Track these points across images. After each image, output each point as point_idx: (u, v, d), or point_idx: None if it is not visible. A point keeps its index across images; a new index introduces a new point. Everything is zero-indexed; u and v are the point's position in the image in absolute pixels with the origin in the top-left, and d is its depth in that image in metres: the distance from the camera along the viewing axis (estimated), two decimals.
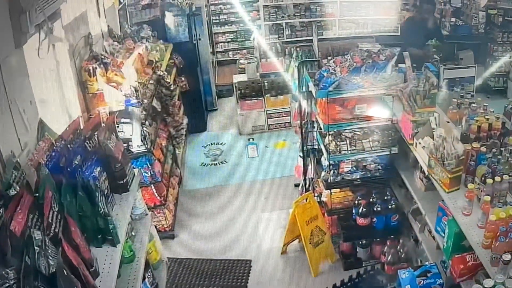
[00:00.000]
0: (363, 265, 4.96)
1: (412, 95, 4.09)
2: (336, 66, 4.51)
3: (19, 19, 3.30)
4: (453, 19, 5.63)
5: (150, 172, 5.21)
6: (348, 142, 4.56)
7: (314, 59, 5.68)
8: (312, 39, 6.28)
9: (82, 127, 3.35)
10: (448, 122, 3.91)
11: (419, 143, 3.92)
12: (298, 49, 6.83)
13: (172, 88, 6.93)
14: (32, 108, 3.53)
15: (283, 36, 8.58)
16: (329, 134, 4.53)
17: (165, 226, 5.64)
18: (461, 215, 3.30)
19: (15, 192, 2.59)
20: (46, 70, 4.13)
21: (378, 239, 4.90)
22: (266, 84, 8.41)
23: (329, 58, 4.80)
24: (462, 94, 4.37)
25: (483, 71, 5.04)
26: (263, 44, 8.37)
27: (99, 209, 2.81)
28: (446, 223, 3.59)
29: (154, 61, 6.51)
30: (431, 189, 3.97)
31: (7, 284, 1.97)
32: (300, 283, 4.91)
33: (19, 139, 3.19)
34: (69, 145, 3.06)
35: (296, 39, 8.45)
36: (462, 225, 3.25)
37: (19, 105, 3.25)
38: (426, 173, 3.82)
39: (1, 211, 2.39)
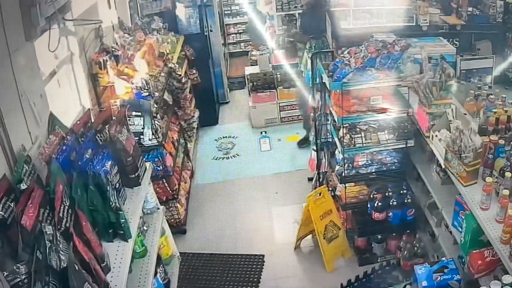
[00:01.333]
0: (379, 260, 4.89)
1: (428, 87, 4.01)
2: (351, 57, 4.43)
3: (30, 11, 3.27)
4: (470, 9, 5.50)
5: (162, 166, 5.18)
6: (363, 135, 4.48)
7: (328, 50, 5.59)
8: (326, 30, 6.20)
9: (93, 120, 3.32)
10: (465, 114, 3.82)
11: (436, 135, 3.85)
12: (311, 40, 6.72)
13: (183, 81, 6.90)
14: (42, 101, 3.50)
15: (296, 27, 8.47)
16: (343, 127, 4.46)
17: (177, 220, 5.61)
18: (479, 209, 3.22)
19: (26, 186, 2.59)
20: (57, 63, 4.10)
21: (393, 234, 4.84)
22: (278, 76, 8.32)
23: (343, 49, 4.71)
24: (479, 86, 4.27)
25: (501, 62, 4.91)
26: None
27: (111, 203, 2.79)
28: (463, 217, 3.52)
29: (165, 53, 6.46)
30: (448, 183, 3.88)
31: (18, 279, 1.97)
32: (314, 279, 4.85)
33: (30, 133, 3.17)
34: (80, 139, 3.04)
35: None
36: (480, 219, 3.18)
37: (29, 98, 3.23)
38: (443, 166, 3.74)
39: (12, 205, 2.39)
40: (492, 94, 4.00)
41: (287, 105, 8.36)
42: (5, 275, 1.86)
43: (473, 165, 3.38)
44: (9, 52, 3.03)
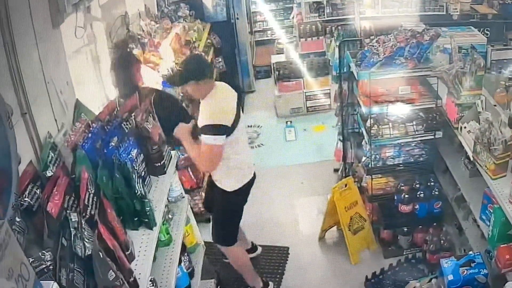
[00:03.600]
0: (404, 253, 4.82)
1: (458, 77, 3.93)
2: (379, 46, 4.35)
3: None
4: None
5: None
6: (390, 125, 4.42)
7: (356, 38, 5.52)
8: (353, 18, 6.11)
9: (119, 108, 3.33)
10: (495, 105, 3.73)
11: (464, 127, 3.78)
12: (339, 28, 6.63)
13: None
14: (69, 88, 3.51)
15: (324, 15, 8.38)
16: (370, 117, 4.40)
17: (202, 209, 5.62)
18: (508, 203, 3.15)
19: (52, 174, 2.59)
20: (83, 50, 4.12)
21: (420, 226, 4.76)
22: (305, 64, 8.24)
23: (371, 37, 4.64)
24: (510, 77, 4.15)
25: None
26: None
27: (136, 191, 2.78)
28: (491, 211, 3.46)
29: (192, 41, 6.47)
30: (476, 176, 3.80)
31: (44, 266, 1.97)
32: (339, 271, 4.81)
33: (56, 120, 3.18)
34: (105, 127, 3.04)
35: (337, 17, 8.24)
36: (508, 213, 3.11)
37: (56, 85, 3.24)
38: (471, 158, 3.67)
39: (38, 192, 2.40)
40: None
41: (313, 95, 8.28)
42: (30, 261, 1.87)
43: (502, 158, 3.30)
44: (36, 40, 3.04)
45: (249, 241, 4.94)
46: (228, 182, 4.02)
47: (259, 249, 5.00)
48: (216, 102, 3.80)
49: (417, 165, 4.66)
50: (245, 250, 4.75)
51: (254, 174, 4.22)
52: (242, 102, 4.07)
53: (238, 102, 3.95)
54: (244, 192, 4.16)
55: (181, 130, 3.88)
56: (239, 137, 3.94)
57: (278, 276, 4.86)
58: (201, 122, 3.71)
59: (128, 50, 4.84)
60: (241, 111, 4.00)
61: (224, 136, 3.68)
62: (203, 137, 3.68)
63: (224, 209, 4.20)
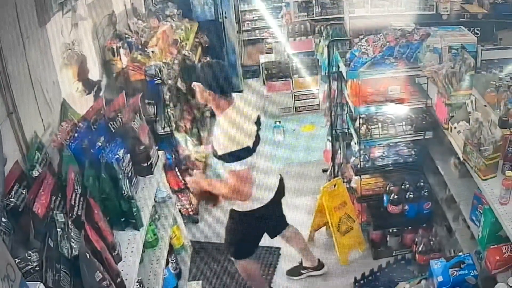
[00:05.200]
0: (394, 254, 4.82)
1: (448, 77, 3.91)
2: (368, 45, 4.34)
3: None
4: None
5: (175, 155, 5.15)
6: (380, 125, 4.40)
7: (345, 38, 5.51)
8: (343, 17, 6.11)
9: (105, 107, 3.29)
10: (485, 105, 3.76)
11: (454, 127, 3.77)
12: (328, 27, 6.64)
13: None
14: (55, 88, 3.48)
15: (313, 14, 8.37)
16: (360, 117, 4.39)
17: (189, 210, 5.59)
18: (498, 204, 3.16)
19: (38, 174, 2.57)
20: (69, 49, 4.07)
21: (409, 227, 4.77)
22: (294, 64, 8.23)
23: (361, 37, 4.63)
24: (501, 76, 4.16)
25: None
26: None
27: (123, 192, 2.76)
28: (481, 212, 3.46)
29: (179, 40, 6.42)
30: (466, 176, 3.80)
31: (30, 266, 1.95)
32: (328, 271, 4.80)
33: (42, 120, 3.15)
34: (92, 126, 3.00)
35: (326, 17, 8.24)
36: (498, 214, 3.12)
37: (42, 85, 3.21)
38: (461, 159, 3.66)
39: (24, 192, 2.38)
40: None
41: (302, 94, 8.27)
42: (17, 262, 1.85)
43: (492, 158, 3.30)
44: (22, 38, 3.01)
45: (315, 259, 4.78)
46: (242, 204, 3.78)
47: (325, 268, 4.81)
48: (234, 122, 3.45)
49: (406, 166, 4.65)
50: (311, 268, 4.72)
51: (278, 193, 3.96)
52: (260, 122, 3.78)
53: (258, 122, 3.66)
54: (260, 214, 3.83)
55: (194, 181, 3.77)
56: (259, 160, 3.64)
57: (268, 276, 4.87)
58: (220, 149, 3.41)
59: None
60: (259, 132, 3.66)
61: (250, 157, 3.41)
62: (228, 166, 3.42)
63: (231, 229, 4.06)
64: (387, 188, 4.67)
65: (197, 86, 3.50)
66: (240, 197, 3.60)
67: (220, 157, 3.45)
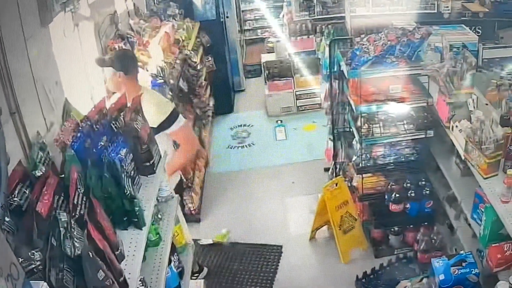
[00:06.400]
0: (395, 252, 4.83)
1: (449, 76, 3.94)
2: (370, 44, 4.35)
3: None
4: None
5: None
6: (381, 124, 4.42)
7: (347, 37, 5.51)
8: (344, 16, 6.12)
9: (108, 107, 3.30)
10: (486, 104, 3.75)
11: (456, 126, 3.77)
12: (329, 26, 6.64)
13: (198, 68, 6.86)
14: (58, 88, 3.49)
15: (314, 13, 8.37)
16: (361, 116, 4.40)
17: (191, 209, 5.61)
18: (499, 202, 3.16)
19: (41, 173, 2.57)
20: (72, 49, 4.09)
21: (411, 226, 4.78)
22: (295, 63, 8.22)
23: (362, 36, 4.64)
24: (502, 75, 4.17)
25: None
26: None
27: (125, 191, 2.75)
28: (483, 210, 3.46)
29: (181, 40, 6.44)
30: (467, 175, 3.82)
31: (33, 265, 1.93)
32: (330, 270, 4.82)
33: (45, 119, 3.16)
34: (94, 126, 3.01)
35: (327, 16, 8.24)
36: (500, 212, 3.12)
37: (45, 84, 3.22)
38: (463, 157, 3.67)
39: (27, 192, 2.36)
40: None
41: (304, 94, 8.28)
42: (20, 261, 1.85)
43: (494, 157, 3.30)
44: (24, 38, 3.02)
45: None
46: None
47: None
48: (153, 97, 3.84)
49: (408, 164, 4.66)
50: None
51: None
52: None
53: None
54: None
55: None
56: None
57: (270, 274, 4.87)
58: (155, 123, 3.66)
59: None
60: None
61: (180, 115, 3.76)
62: (169, 131, 3.75)
63: None
64: (389, 187, 4.68)
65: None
66: (194, 147, 4.09)
67: (159, 129, 3.67)
